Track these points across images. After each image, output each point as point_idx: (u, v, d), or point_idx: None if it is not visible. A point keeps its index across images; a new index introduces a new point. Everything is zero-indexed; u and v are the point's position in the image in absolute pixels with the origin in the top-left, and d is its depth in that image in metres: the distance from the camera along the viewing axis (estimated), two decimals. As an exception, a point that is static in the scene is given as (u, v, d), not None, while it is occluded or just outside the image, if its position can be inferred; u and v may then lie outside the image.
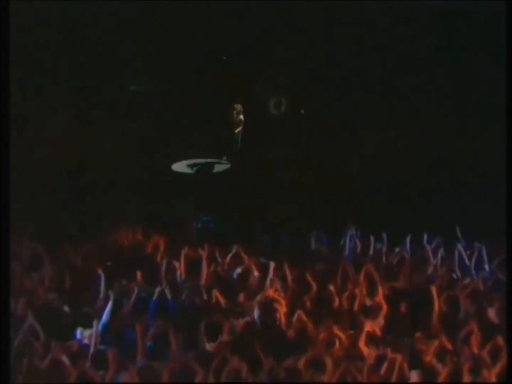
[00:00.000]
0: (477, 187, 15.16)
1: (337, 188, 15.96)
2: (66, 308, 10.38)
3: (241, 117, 16.75)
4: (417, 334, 9.80)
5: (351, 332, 9.88)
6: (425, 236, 13.25)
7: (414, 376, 9.06)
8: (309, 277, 11.61)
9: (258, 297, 10.77)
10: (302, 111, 17.22)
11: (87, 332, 9.63)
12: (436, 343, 9.56)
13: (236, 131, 16.73)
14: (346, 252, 13.07)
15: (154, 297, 10.71)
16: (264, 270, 11.79)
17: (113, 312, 10.09)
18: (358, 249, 13.02)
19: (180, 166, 16.60)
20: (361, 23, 16.16)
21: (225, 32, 16.87)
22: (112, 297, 10.01)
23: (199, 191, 16.35)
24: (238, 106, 16.71)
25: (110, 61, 16.62)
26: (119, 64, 16.76)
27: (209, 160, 16.66)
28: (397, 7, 15.96)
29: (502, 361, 9.10)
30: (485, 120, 15.54)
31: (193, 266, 11.98)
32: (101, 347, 9.32)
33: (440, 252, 12.74)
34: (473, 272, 12.25)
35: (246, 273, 11.72)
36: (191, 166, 16.55)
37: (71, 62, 16.36)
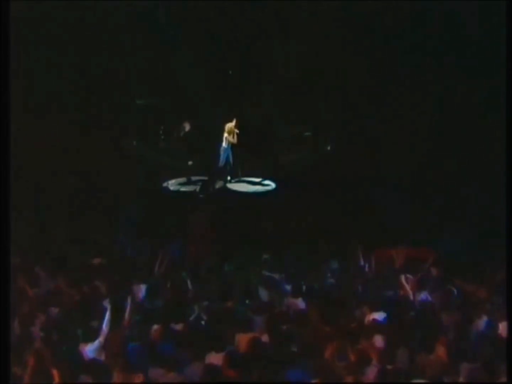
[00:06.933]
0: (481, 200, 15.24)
1: (343, 203, 15.99)
2: (69, 323, 10.25)
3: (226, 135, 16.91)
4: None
5: (360, 347, 9.71)
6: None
7: None
8: (318, 293, 11.54)
9: (266, 312, 10.62)
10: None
11: (91, 346, 9.49)
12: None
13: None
14: (353, 268, 12.97)
15: (159, 310, 10.60)
16: (271, 286, 11.73)
17: (117, 324, 9.95)
18: (366, 265, 12.91)
19: (172, 184, 16.72)
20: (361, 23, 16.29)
21: (231, 46, 17.04)
22: (109, 309, 9.84)
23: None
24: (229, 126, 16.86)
25: (117, 75, 16.75)
26: (126, 78, 16.90)
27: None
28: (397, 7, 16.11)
29: None
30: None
31: (199, 279, 11.92)
32: (105, 360, 9.16)
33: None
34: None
35: (254, 288, 11.62)
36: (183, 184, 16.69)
37: (78, 73, 16.46)
